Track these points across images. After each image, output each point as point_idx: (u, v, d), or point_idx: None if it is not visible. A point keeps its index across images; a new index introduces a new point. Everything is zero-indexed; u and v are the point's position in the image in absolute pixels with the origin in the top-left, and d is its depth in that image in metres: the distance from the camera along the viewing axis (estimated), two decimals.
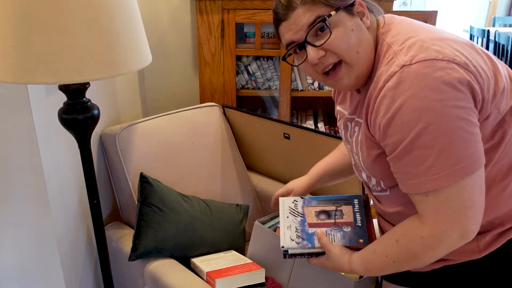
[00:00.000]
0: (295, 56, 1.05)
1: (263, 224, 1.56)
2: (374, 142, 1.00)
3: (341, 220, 1.21)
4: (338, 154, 1.42)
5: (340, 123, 1.21)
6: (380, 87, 0.92)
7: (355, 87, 1.04)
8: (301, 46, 1.00)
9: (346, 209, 1.24)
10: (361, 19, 0.99)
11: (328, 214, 1.23)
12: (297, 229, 1.20)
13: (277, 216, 1.63)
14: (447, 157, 0.87)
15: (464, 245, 0.94)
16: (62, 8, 0.97)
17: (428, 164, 0.88)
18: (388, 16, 1.05)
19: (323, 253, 1.15)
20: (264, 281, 1.46)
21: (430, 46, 0.90)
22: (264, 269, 1.47)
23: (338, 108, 1.22)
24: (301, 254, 1.17)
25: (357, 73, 0.99)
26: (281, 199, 1.31)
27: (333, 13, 0.96)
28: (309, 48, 0.98)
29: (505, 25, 5.49)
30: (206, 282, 1.44)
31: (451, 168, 0.87)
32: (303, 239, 1.17)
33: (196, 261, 1.58)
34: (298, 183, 1.44)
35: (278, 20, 1.03)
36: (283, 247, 1.16)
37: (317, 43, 0.97)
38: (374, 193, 1.15)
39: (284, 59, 1.07)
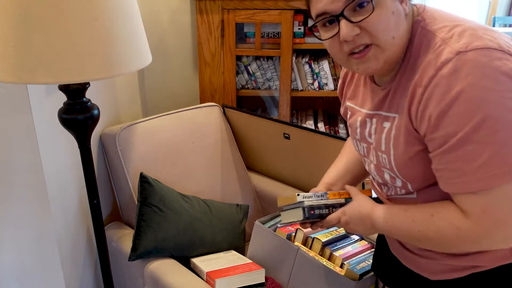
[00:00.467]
0: (322, 29, 0.94)
1: (263, 224, 1.56)
2: (415, 137, 0.92)
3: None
4: (347, 158, 1.31)
5: (353, 120, 1.12)
6: (431, 75, 0.85)
7: (378, 72, 0.96)
8: (334, 20, 0.90)
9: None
10: (400, 4, 0.91)
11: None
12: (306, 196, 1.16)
13: (277, 216, 1.63)
14: (504, 153, 0.81)
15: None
16: (62, 8, 0.97)
17: (482, 160, 0.82)
18: (418, 4, 0.98)
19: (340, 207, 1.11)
20: (264, 281, 1.46)
21: (483, 35, 0.84)
22: (264, 269, 1.47)
23: (349, 104, 1.14)
24: (319, 208, 1.11)
25: (386, 58, 0.92)
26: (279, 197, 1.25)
27: None
28: (344, 23, 0.88)
29: (505, 25, 5.49)
30: (206, 282, 1.44)
31: (506, 167, 0.81)
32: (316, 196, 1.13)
33: (196, 261, 1.58)
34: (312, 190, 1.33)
35: None
36: (298, 194, 1.11)
37: (354, 19, 0.88)
38: (393, 196, 1.07)
39: (310, 30, 0.99)
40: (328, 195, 1.13)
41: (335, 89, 2.27)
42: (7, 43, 0.98)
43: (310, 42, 2.18)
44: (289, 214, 1.13)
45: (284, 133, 1.84)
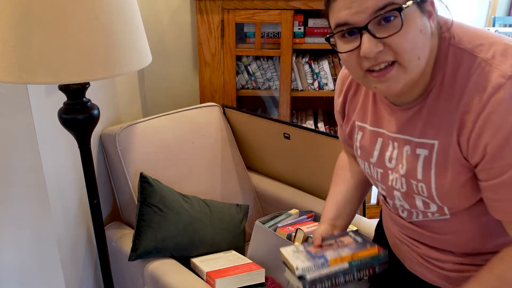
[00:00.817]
0: (341, 40, 0.86)
1: (263, 224, 1.56)
2: (465, 165, 0.88)
3: (343, 243, 1.13)
4: (343, 187, 1.23)
5: (366, 142, 1.04)
6: (484, 102, 0.81)
7: (398, 93, 0.90)
8: (355, 31, 0.82)
9: (345, 238, 1.15)
10: (428, 20, 0.84)
11: (329, 245, 1.13)
12: (305, 255, 1.09)
13: (278, 216, 1.63)
14: None
15: None
16: (62, 8, 0.97)
17: None
18: (444, 18, 0.91)
19: (350, 271, 1.04)
20: (264, 281, 1.46)
21: None
22: (264, 269, 1.47)
23: (359, 123, 1.06)
24: (321, 281, 1.02)
25: (408, 79, 0.85)
26: (281, 249, 1.15)
27: (409, 3, 0.80)
28: (367, 38, 0.81)
29: (505, 25, 5.49)
30: (206, 282, 1.44)
31: None
32: (313, 258, 1.06)
33: (196, 261, 1.58)
34: (317, 231, 1.21)
35: None
36: (297, 268, 1.03)
37: (379, 34, 0.80)
38: (419, 220, 1.02)
39: (328, 40, 0.88)
40: (329, 262, 1.05)
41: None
42: (7, 43, 0.98)
43: (310, 42, 2.18)
44: (291, 278, 1.07)
45: (284, 133, 1.84)
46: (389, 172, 1.00)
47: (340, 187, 1.23)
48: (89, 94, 1.23)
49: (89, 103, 1.22)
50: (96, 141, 1.71)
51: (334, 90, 2.27)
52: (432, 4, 0.85)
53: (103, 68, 1.02)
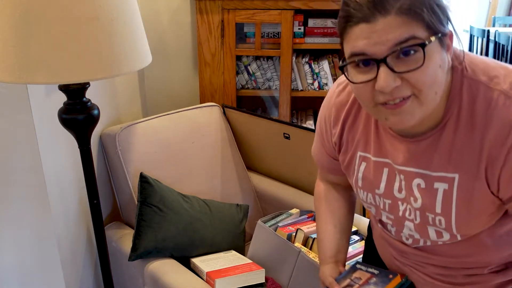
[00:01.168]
0: (354, 69, 0.82)
1: (264, 223, 1.56)
2: (491, 200, 0.86)
3: (362, 281, 1.09)
4: (334, 218, 1.19)
5: (370, 173, 1.00)
6: None
7: (410, 127, 0.87)
8: (371, 62, 0.78)
9: (358, 274, 1.12)
10: (446, 54, 0.82)
11: (349, 286, 1.10)
12: None
13: (279, 215, 1.63)
14: None
15: None
16: (62, 8, 0.97)
17: None
18: (457, 50, 0.88)
19: None
20: (264, 281, 1.46)
21: None
22: (264, 269, 1.47)
23: (362, 154, 1.02)
24: None
25: (423, 114, 0.82)
26: None
27: (432, 39, 0.76)
28: (385, 71, 0.76)
29: (505, 25, 5.49)
30: (206, 282, 1.44)
31: None
32: None
33: (196, 261, 1.58)
34: (325, 273, 1.16)
35: (353, 18, 0.78)
36: None
37: (397, 68, 0.76)
38: (425, 246, 1.00)
39: (342, 69, 0.83)
40: None
41: None
42: (7, 43, 0.98)
43: (310, 42, 2.18)
44: None
45: (284, 133, 1.84)
46: (399, 202, 0.97)
47: (332, 221, 1.18)
48: (89, 94, 1.23)
49: (89, 103, 1.22)
50: (96, 141, 1.71)
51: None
52: (451, 37, 0.82)
53: (103, 68, 1.02)
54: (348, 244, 1.20)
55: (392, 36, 0.75)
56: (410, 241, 1.01)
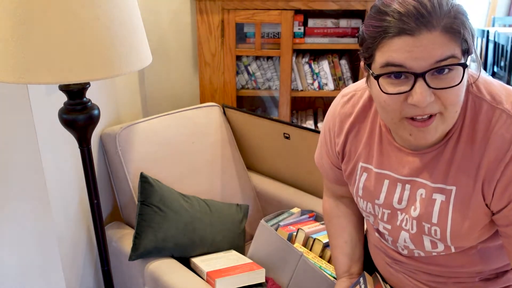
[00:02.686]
0: (386, 81, 0.81)
1: (266, 222, 1.55)
2: (485, 212, 0.89)
3: None
4: (345, 233, 1.21)
5: (370, 184, 1.02)
6: (511, 154, 0.83)
7: (430, 143, 0.88)
8: (402, 75, 0.79)
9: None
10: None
11: None
12: None
13: (280, 214, 1.63)
14: None
15: None
16: (63, 8, 0.97)
17: None
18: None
19: None
20: (264, 280, 1.46)
21: None
22: (264, 269, 1.47)
23: (364, 165, 1.03)
24: None
25: (444, 130, 0.85)
26: None
27: (469, 59, 0.80)
28: (422, 86, 0.77)
29: (504, 25, 5.49)
30: (206, 282, 1.44)
31: None
32: None
33: (196, 261, 1.58)
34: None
35: (395, 29, 0.77)
36: None
37: (433, 84, 0.78)
38: (419, 256, 1.01)
39: (377, 78, 0.82)
40: None
41: (335, 89, 2.27)
42: (8, 43, 0.98)
43: (310, 42, 2.18)
44: None
45: (284, 133, 1.84)
46: (398, 212, 0.99)
47: (342, 237, 1.20)
48: (89, 94, 1.23)
49: (89, 103, 1.22)
50: (96, 141, 1.71)
51: (334, 90, 2.28)
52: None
53: (103, 68, 1.03)
54: (363, 252, 1.22)
55: (435, 53, 0.76)
56: (405, 252, 1.03)
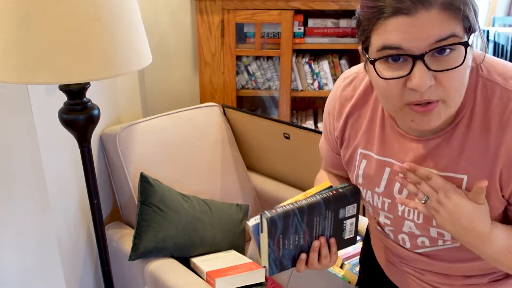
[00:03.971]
0: (381, 64, 0.77)
1: None
2: (501, 201, 0.85)
3: None
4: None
5: (371, 170, 0.97)
6: None
7: (435, 128, 0.84)
8: (402, 58, 0.74)
9: None
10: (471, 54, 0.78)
11: None
12: None
13: None
14: None
15: None
16: (63, 8, 0.97)
17: None
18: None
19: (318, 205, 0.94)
20: (264, 280, 1.46)
21: None
22: (264, 268, 1.47)
23: (363, 151, 0.99)
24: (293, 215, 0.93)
25: (448, 115, 0.79)
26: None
27: (471, 38, 0.74)
28: (421, 69, 0.72)
29: (504, 25, 5.49)
30: (206, 281, 1.44)
31: None
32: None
33: (196, 260, 1.58)
34: None
35: (390, 8, 0.72)
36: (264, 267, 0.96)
37: (433, 66, 0.73)
38: (424, 250, 0.98)
39: (373, 62, 0.77)
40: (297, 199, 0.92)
41: None
42: (8, 43, 0.98)
43: (310, 42, 2.18)
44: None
45: (284, 133, 1.84)
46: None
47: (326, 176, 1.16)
48: (89, 94, 1.23)
49: (89, 103, 1.22)
50: (97, 141, 1.71)
51: None
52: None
53: (103, 68, 1.03)
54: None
55: (433, 32, 0.71)
56: (409, 245, 0.99)
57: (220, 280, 1.40)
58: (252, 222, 0.94)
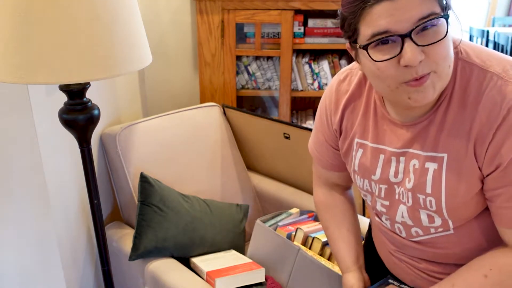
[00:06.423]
0: (374, 50, 0.83)
1: (264, 223, 1.56)
2: (479, 177, 0.89)
3: None
4: (347, 223, 1.20)
5: (367, 160, 1.02)
6: (503, 115, 0.83)
7: (431, 102, 0.89)
8: (391, 40, 0.80)
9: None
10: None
11: None
12: None
13: (278, 215, 1.63)
14: None
15: None
16: (63, 8, 0.97)
17: None
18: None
19: None
20: (264, 280, 1.46)
21: None
22: (264, 268, 1.47)
23: (359, 141, 1.04)
24: None
25: (442, 86, 0.85)
26: None
27: (450, 13, 0.81)
28: (410, 46, 0.79)
29: (504, 25, 5.49)
30: (206, 281, 1.44)
31: None
32: None
33: (196, 260, 1.58)
34: (352, 282, 1.14)
35: None
36: None
37: (420, 42, 0.79)
38: (420, 238, 1.01)
39: (366, 48, 0.83)
40: None
41: None
42: (8, 43, 0.98)
43: (310, 42, 2.18)
44: None
45: (284, 133, 1.84)
46: (395, 186, 0.99)
47: (344, 226, 1.19)
48: (89, 94, 1.23)
49: (89, 103, 1.22)
50: (97, 141, 1.71)
51: None
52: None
53: (103, 68, 1.03)
54: (362, 247, 1.20)
55: (415, 13, 0.78)
56: (404, 234, 1.03)
57: (220, 280, 1.40)
58: None
